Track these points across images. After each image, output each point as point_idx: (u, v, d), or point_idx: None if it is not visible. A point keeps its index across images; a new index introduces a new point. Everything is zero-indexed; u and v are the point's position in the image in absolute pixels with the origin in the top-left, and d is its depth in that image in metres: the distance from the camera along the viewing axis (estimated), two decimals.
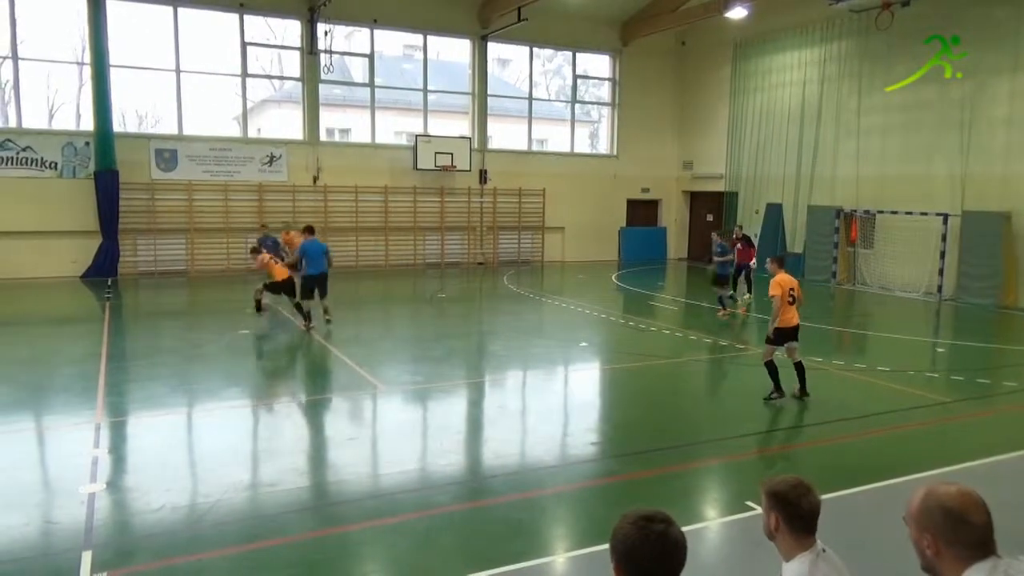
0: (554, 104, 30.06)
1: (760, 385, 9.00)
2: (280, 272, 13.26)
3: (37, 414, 8.46)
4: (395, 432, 7.98)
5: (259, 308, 14.09)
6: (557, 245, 25.78)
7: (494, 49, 24.68)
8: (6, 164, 18.44)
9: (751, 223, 22.91)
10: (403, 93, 26.37)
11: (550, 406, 9.32)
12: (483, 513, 5.87)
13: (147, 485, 6.13)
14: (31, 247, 18.74)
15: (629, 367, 10.88)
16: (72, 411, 8.42)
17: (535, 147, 26.65)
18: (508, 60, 31.19)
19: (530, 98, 25.51)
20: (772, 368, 8.73)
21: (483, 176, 24.19)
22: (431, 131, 23.71)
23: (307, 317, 12.70)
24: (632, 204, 27.06)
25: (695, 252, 27.00)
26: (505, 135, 27.26)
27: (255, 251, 14.12)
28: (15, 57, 18.69)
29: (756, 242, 19.53)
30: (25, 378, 9.74)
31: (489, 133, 24.83)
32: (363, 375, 9.89)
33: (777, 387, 8.72)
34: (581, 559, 5.03)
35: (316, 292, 12.91)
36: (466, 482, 6.45)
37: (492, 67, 25.35)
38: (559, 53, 28.77)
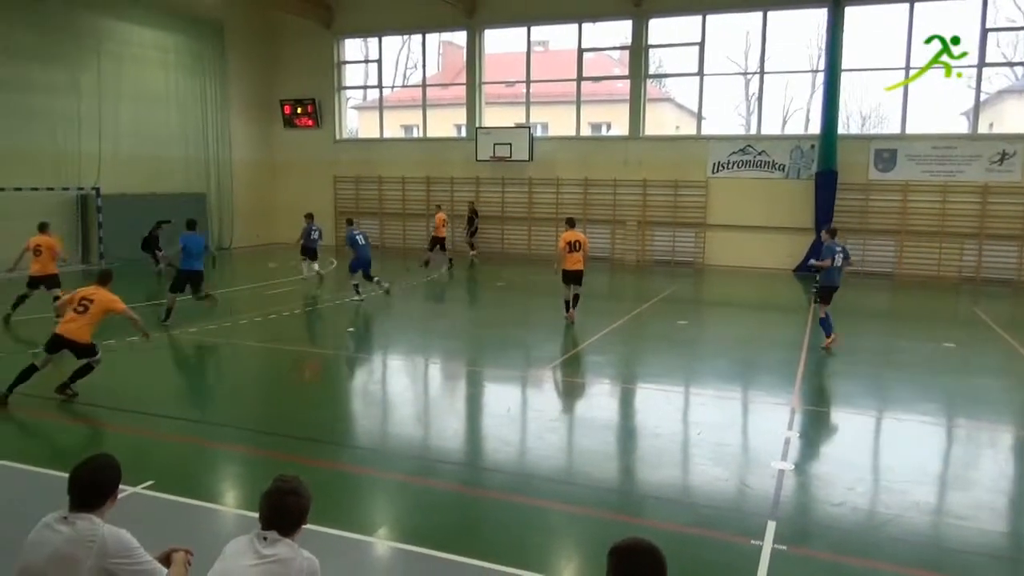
0: None
1: None
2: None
3: (745, 387, 9.72)
4: None
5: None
6: None
7: None
8: (744, 167, 21.26)
9: None
10: None
11: None
12: None
13: (831, 477, 6.39)
14: (756, 240, 21.18)
15: None
16: (772, 391, 9.35)
17: None
18: None
19: None
20: None
21: None
22: None
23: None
24: None
25: None
26: None
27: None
28: (762, 72, 21.31)
29: None
30: (739, 354, 11.31)
31: None
32: None
33: None
34: None
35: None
36: None
37: None
38: None
